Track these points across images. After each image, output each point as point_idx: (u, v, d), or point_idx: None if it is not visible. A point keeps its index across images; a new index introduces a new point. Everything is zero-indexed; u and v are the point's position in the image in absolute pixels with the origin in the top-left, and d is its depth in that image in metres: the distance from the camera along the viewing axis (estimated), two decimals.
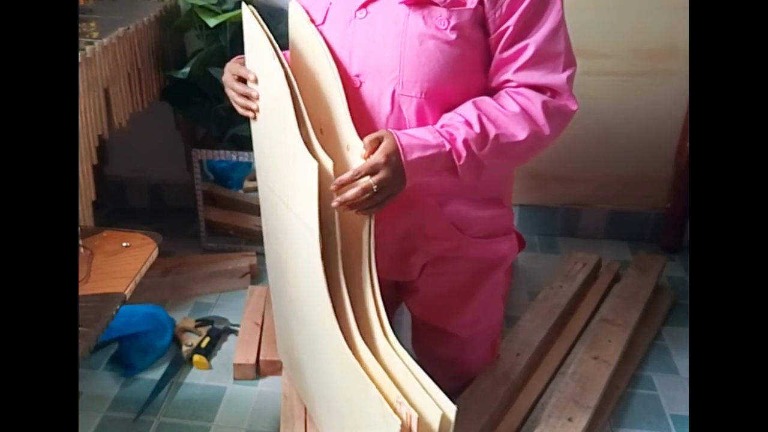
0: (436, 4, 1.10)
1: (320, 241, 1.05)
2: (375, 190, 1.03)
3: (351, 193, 1.03)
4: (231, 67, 1.24)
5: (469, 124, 1.10)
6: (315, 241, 1.05)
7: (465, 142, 1.09)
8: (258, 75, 1.18)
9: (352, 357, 1.03)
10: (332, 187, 1.03)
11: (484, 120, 1.11)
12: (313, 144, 1.09)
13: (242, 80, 1.22)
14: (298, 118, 1.08)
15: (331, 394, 1.19)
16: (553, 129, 1.14)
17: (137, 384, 1.64)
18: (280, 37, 1.28)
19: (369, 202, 1.04)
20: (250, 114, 1.23)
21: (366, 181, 1.03)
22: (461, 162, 1.10)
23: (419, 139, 1.08)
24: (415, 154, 1.07)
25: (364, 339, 1.07)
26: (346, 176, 1.04)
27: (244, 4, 1.23)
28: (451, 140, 1.09)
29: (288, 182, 1.15)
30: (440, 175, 1.13)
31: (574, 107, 1.16)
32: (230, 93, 1.24)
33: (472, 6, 1.10)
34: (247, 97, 1.21)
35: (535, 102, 1.12)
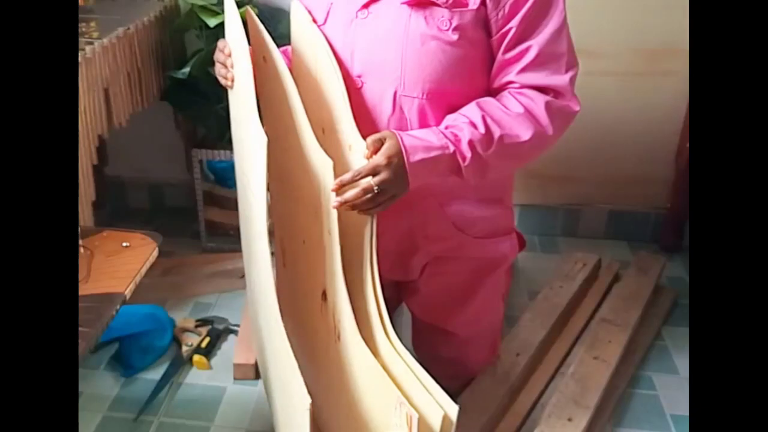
0: (438, 5, 1.10)
1: (267, 214, 1.05)
2: (376, 191, 1.03)
3: (351, 193, 1.03)
4: (219, 42, 1.27)
5: (473, 124, 1.10)
6: (262, 212, 1.05)
7: (470, 143, 1.09)
8: (233, 53, 1.21)
9: (283, 330, 1.03)
10: (333, 187, 1.03)
11: (489, 121, 1.11)
12: (307, 145, 1.09)
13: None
14: (279, 124, 1.08)
15: (285, 408, 1.20)
16: (556, 129, 1.14)
17: (137, 384, 1.64)
18: (281, 38, 1.28)
19: (370, 203, 1.04)
20: (228, 84, 1.25)
21: (367, 181, 1.03)
22: (466, 163, 1.10)
23: (423, 140, 1.08)
24: (419, 156, 1.07)
25: (365, 339, 1.07)
26: (347, 177, 1.04)
27: None
28: (456, 141, 1.09)
29: (251, 159, 1.15)
30: (445, 177, 1.13)
31: (576, 108, 1.16)
32: (216, 66, 1.27)
33: (474, 7, 1.10)
34: (225, 67, 1.23)
35: (538, 102, 1.12)
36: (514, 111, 1.12)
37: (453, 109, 1.14)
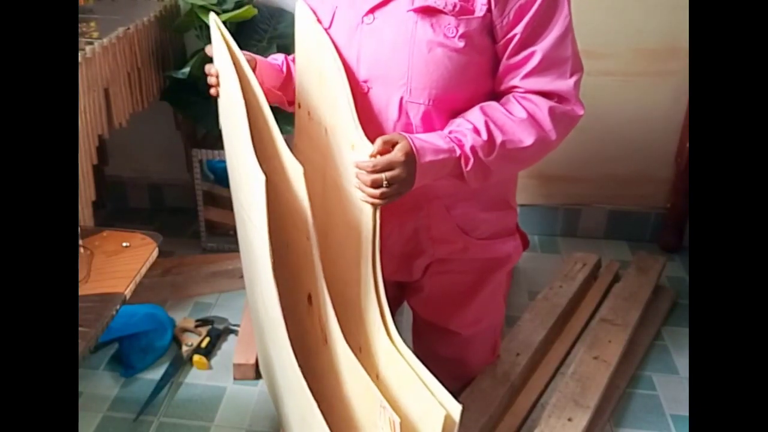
0: (445, 13, 1.09)
1: (271, 254, 1.05)
2: (385, 185, 1.04)
3: (367, 178, 1.04)
4: (207, 67, 1.27)
5: (477, 131, 1.10)
6: (266, 252, 1.05)
7: (472, 149, 1.09)
8: (222, 83, 1.21)
9: (300, 375, 1.03)
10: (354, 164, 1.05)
11: (492, 126, 1.11)
12: (279, 151, 1.09)
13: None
14: (251, 130, 1.07)
15: (294, 412, 1.19)
16: (559, 134, 1.14)
17: (137, 384, 1.64)
18: (281, 37, 1.28)
19: (378, 197, 1.05)
20: (213, 92, 1.26)
21: (379, 175, 1.04)
22: (468, 168, 1.10)
23: (431, 143, 1.09)
24: (428, 158, 1.07)
25: (366, 339, 1.07)
26: (365, 163, 1.04)
27: (211, 14, 1.24)
28: (459, 146, 1.10)
29: (248, 196, 1.14)
30: (447, 180, 1.14)
31: (580, 112, 1.16)
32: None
33: (481, 14, 1.10)
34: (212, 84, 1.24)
35: (542, 107, 1.12)
36: (517, 116, 1.12)
37: (458, 114, 1.15)
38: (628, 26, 1.98)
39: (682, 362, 1.73)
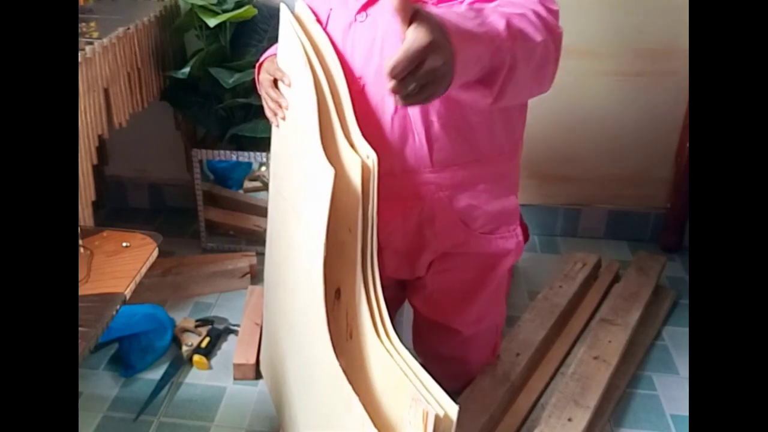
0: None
1: (325, 246, 1.05)
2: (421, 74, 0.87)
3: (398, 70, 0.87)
4: (268, 68, 1.26)
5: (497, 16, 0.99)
6: (319, 243, 1.05)
7: (508, 23, 0.96)
8: (292, 78, 1.21)
9: (339, 369, 1.03)
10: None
11: (513, 21, 0.99)
12: (337, 144, 1.09)
13: (275, 81, 1.25)
14: (321, 126, 1.08)
15: (314, 410, 1.19)
16: (544, 38, 1.03)
17: (137, 384, 1.64)
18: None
19: (415, 89, 0.87)
20: (274, 121, 1.26)
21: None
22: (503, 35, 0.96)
23: (465, 28, 0.92)
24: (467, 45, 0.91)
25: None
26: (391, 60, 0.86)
27: (282, 5, 1.25)
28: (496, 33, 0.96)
29: (301, 189, 1.15)
30: (473, 86, 0.99)
31: (558, 30, 1.08)
32: (263, 95, 1.27)
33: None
34: (279, 104, 1.24)
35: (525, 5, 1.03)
36: (516, 11, 1.02)
37: (453, 100, 1.14)
38: (628, 26, 1.98)
39: (682, 362, 1.73)
